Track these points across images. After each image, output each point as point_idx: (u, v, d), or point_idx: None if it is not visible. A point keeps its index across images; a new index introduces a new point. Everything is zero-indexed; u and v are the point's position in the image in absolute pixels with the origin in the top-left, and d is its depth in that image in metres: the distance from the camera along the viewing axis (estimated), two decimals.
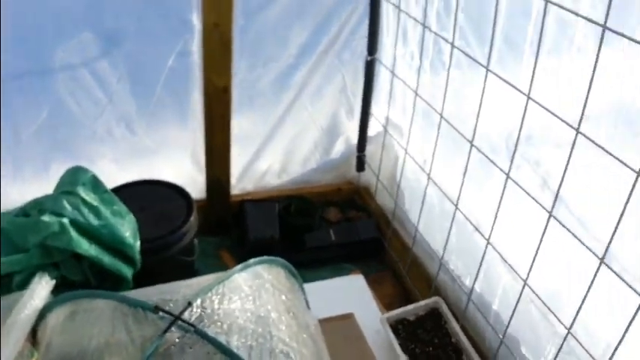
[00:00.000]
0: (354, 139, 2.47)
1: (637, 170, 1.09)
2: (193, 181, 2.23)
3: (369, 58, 2.25)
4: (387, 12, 2.13)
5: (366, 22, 2.18)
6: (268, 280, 1.37)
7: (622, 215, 1.14)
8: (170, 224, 1.82)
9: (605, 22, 1.11)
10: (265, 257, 1.43)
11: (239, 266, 1.33)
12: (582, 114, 1.22)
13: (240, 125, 2.22)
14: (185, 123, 2.15)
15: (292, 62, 2.19)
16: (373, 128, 2.42)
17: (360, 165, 2.50)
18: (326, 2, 2.09)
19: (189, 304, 1.17)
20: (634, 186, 1.10)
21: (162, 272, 1.51)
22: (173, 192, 1.97)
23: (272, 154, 2.35)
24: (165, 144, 2.17)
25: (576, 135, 1.24)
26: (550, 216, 1.35)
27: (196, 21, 1.95)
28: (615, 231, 1.16)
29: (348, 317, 1.81)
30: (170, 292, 1.24)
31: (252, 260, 1.39)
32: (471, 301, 1.73)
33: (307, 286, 1.59)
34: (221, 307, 1.19)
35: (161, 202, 1.92)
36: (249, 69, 2.13)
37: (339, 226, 2.30)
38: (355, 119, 2.42)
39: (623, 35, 1.08)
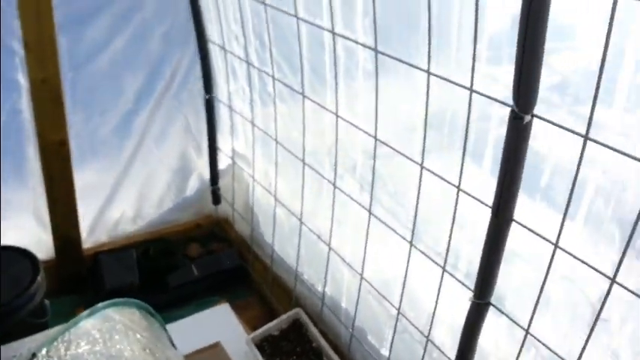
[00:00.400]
0: (207, 174, 2.55)
1: (420, 163, 1.32)
2: (40, 241, 2.15)
3: (207, 97, 2.36)
4: (214, 53, 2.27)
5: (198, 63, 2.30)
6: (120, 321, 1.39)
7: (417, 203, 1.37)
8: (16, 288, 1.75)
9: (376, 46, 1.34)
10: (115, 300, 1.45)
11: (86, 312, 1.34)
12: (376, 124, 1.44)
13: (85, 177, 2.19)
14: (23, 182, 2.08)
15: (131, 108, 2.23)
16: (223, 161, 2.52)
17: (216, 198, 2.58)
18: (154, 49, 2.18)
19: (34, 355, 1.16)
20: (420, 177, 1.33)
21: (13, 337, 1.46)
22: (17, 255, 1.89)
23: (124, 200, 2.35)
24: (4, 206, 2.07)
25: (375, 142, 1.46)
26: (370, 214, 1.56)
27: (23, 79, 1.93)
28: (415, 218, 1.39)
29: (215, 346, 1.87)
30: (15, 349, 1.23)
31: (100, 304, 1.40)
32: (325, 304, 1.88)
33: (175, 324, 1.62)
34: (68, 354, 1.20)
35: (5, 267, 1.83)
36: (85, 120, 2.14)
37: (201, 260, 2.35)
38: (204, 155, 2.51)
39: (389, 56, 1.32)
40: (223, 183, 2.56)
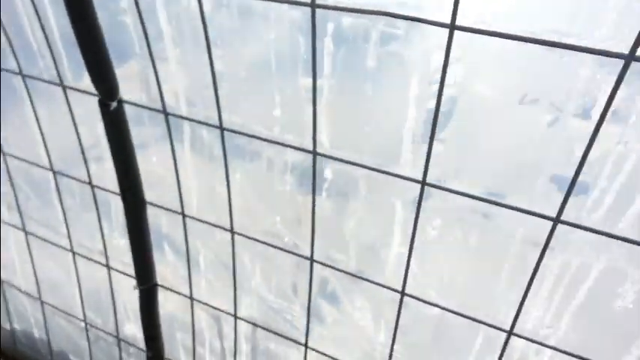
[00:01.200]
0: None
1: (50, 168, 1.25)
2: None
3: None
4: None
5: None
6: None
7: (63, 209, 1.30)
8: None
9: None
10: None
11: None
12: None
13: None
14: None
15: None
16: None
17: None
18: None
19: None
20: (56, 183, 1.27)
21: None
22: None
23: None
24: None
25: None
26: (26, 233, 1.43)
27: None
28: (68, 227, 1.32)
29: None
30: None
31: None
32: (17, 340, 1.69)
33: None
34: None
35: None
36: None
37: None
38: None
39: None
40: None
